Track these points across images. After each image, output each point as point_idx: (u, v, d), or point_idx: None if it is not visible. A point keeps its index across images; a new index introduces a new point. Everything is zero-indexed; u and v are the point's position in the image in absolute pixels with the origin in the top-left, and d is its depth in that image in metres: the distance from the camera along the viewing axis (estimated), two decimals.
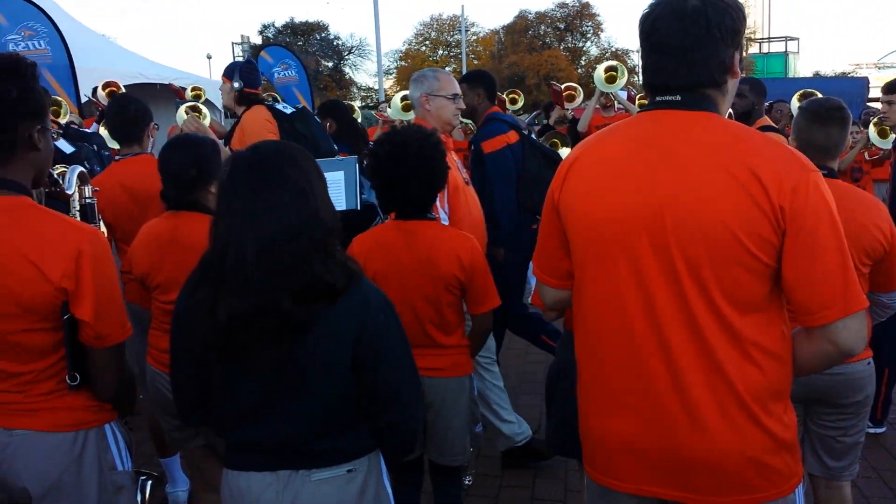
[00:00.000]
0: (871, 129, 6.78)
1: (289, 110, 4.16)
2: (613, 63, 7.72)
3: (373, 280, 2.54)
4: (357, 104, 54.82)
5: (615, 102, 7.54)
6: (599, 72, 7.41)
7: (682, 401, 1.63)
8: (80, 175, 2.30)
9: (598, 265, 1.73)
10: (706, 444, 1.63)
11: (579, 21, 51.23)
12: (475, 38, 52.58)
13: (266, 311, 1.67)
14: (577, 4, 50.48)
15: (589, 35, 52.09)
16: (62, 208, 2.19)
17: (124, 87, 9.44)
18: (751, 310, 1.62)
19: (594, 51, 52.33)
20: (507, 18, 53.50)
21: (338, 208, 2.78)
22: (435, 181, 2.71)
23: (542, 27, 51.67)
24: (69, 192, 2.29)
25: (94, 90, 9.10)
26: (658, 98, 1.73)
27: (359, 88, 57.93)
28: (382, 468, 1.94)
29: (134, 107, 3.70)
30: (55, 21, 11.14)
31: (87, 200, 2.38)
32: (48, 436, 1.88)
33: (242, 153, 1.82)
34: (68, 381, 1.87)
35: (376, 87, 54.05)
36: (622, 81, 7.47)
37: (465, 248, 2.71)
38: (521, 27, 50.89)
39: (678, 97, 1.69)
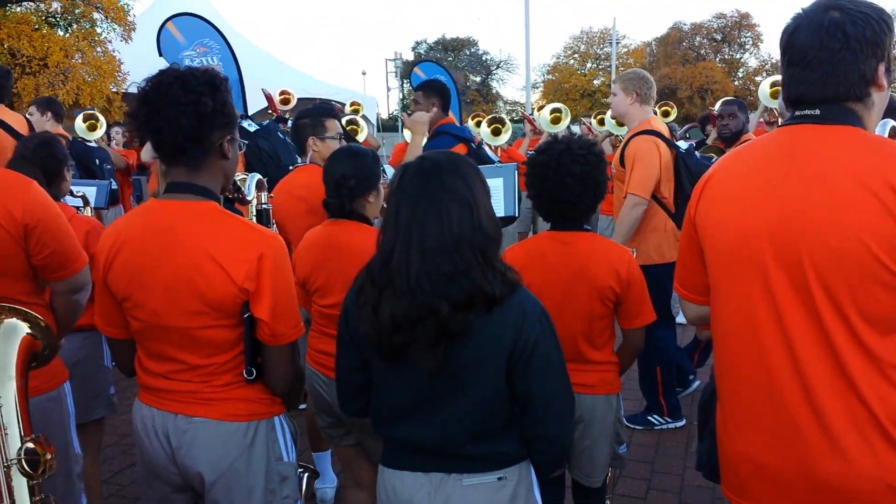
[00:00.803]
0: None
1: (252, 127, 4.38)
2: (780, 78, 7.31)
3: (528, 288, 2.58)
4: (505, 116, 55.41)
5: (779, 118, 7.16)
6: (764, 86, 7.05)
7: (818, 422, 1.59)
8: (258, 182, 2.46)
9: (731, 281, 1.72)
10: (842, 468, 1.57)
11: (737, 32, 49.14)
12: (626, 50, 51.62)
13: (425, 316, 1.73)
14: (736, 15, 48.45)
15: (747, 46, 49.86)
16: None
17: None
18: (890, 330, 1.55)
19: (752, 62, 50.06)
20: (661, 30, 52.20)
21: (496, 214, 2.84)
22: (596, 191, 2.69)
23: (698, 38, 49.97)
24: (249, 198, 2.45)
25: (266, 94, 9.66)
26: (797, 112, 1.70)
27: (505, 102, 58.33)
28: (533, 480, 1.95)
29: (296, 122, 3.87)
30: (227, 38, 11.93)
31: (263, 206, 2.54)
32: (224, 424, 2.02)
33: (412, 163, 1.90)
34: (245, 375, 2.01)
35: (522, 100, 54.51)
36: None
37: (623, 261, 2.68)
38: (675, 39, 49.43)
39: (817, 111, 1.66)
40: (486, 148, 4.60)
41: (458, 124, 4.86)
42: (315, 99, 15.17)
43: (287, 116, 8.86)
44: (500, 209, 2.90)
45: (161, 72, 1.98)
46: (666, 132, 4.52)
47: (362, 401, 2.00)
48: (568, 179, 2.62)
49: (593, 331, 2.71)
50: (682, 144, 5.33)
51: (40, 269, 2.33)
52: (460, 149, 4.37)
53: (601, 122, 7.98)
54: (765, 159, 1.71)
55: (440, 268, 1.73)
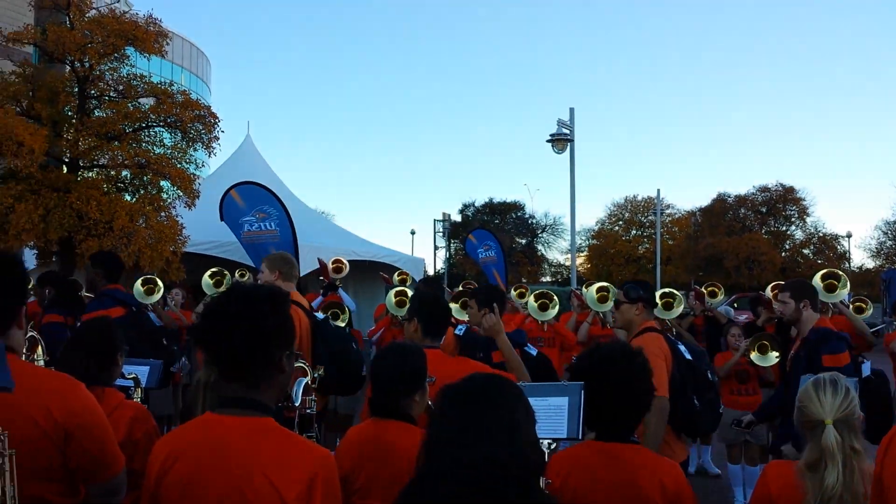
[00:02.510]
0: None
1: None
2: (834, 271, 7.25)
3: (572, 499, 2.46)
4: (547, 279, 55.50)
5: (829, 307, 7.05)
6: (817, 281, 7.00)
7: None
8: (305, 387, 2.46)
9: None
10: None
11: (783, 205, 49.69)
12: (670, 219, 52.38)
13: None
14: (780, 189, 49.17)
15: (794, 219, 50.20)
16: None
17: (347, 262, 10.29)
18: None
19: (799, 234, 50.19)
20: (705, 201, 52.84)
21: (557, 435, 2.76)
22: (639, 402, 2.63)
23: (742, 210, 50.58)
24: (296, 404, 2.45)
25: (321, 262, 9.93)
26: None
27: (549, 265, 59.01)
28: None
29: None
30: (284, 204, 12.47)
31: (308, 411, 2.53)
32: None
33: (454, 385, 1.89)
34: None
35: (567, 262, 55.09)
36: (843, 292, 6.99)
37: (671, 475, 2.59)
38: (720, 210, 50.10)
39: None
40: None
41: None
42: (365, 262, 15.57)
43: (338, 284, 9.06)
44: (562, 430, 2.84)
45: (229, 290, 2.06)
46: None
47: None
48: (607, 390, 2.58)
49: None
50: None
51: (76, 472, 2.31)
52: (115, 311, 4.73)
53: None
54: None
55: (474, 493, 1.67)
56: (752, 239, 45.41)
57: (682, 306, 7.41)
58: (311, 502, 1.91)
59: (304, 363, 3.20)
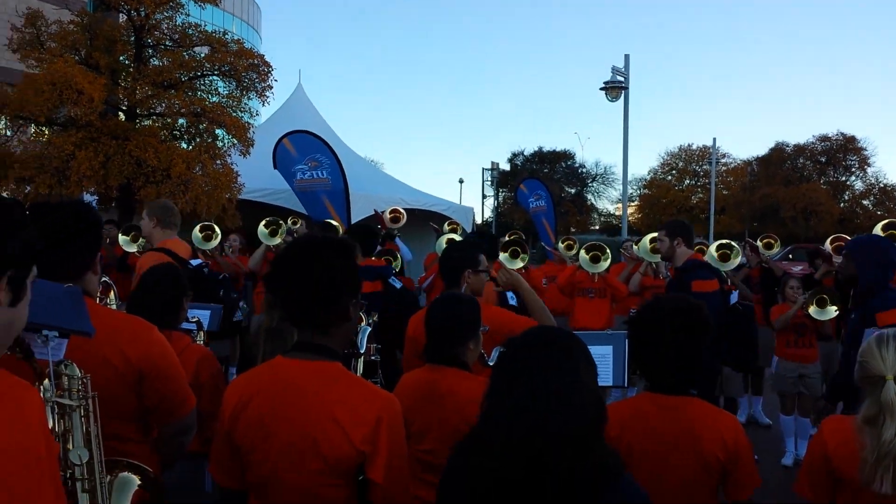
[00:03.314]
0: None
1: None
2: (894, 221, 7.03)
3: (627, 453, 2.48)
4: (596, 229, 54.91)
5: None
6: (877, 231, 6.80)
7: None
8: (369, 335, 2.52)
9: None
10: None
11: (843, 154, 48.11)
12: (725, 168, 51.22)
13: (521, 494, 1.69)
14: (841, 138, 47.57)
15: (854, 169, 48.63)
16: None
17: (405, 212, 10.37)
18: None
19: (859, 185, 48.69)
20: (762, 150, 51.48)
21: (601, 384, 2.78)
22: (695, 357, 2.62)
23: (801, 159, 49.16)
24: (361, 351, 2.52)
25: (377, 213, 10.02)
26: None
27: (599, 214, 58.42)
28: None
29: (450, 253, 3.84)
30: (336, 153, 12.55)
31: (373, 357, 2.59)
32: None
33: (517, 338, 1.91)
34: None
35: (617, 212, 54.44)
36: None
37: (731, 429, 2.57)
38: (777, 159, 48.83)
39: None
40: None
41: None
42: (414, 210, 15.63)
43: (395, 233, 9.14)
44: (607, 378, 2.85)
45: (298, 239, 2.14)
46: None
47: None
48: (667, 345, 2.55)
49: (694, 500, 2.58)
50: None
51: (150, 412, 2.41)
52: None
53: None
54: None
55: (541, 447, 1.69)
56: (809, 189, 44.26)
57: (740, 258, 7.29)
58: (376, 443, 1.97)
59: (363, 313, 3.26)
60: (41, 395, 1.71)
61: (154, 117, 13.23)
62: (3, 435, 1.28)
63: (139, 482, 1.94)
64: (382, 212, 10.17)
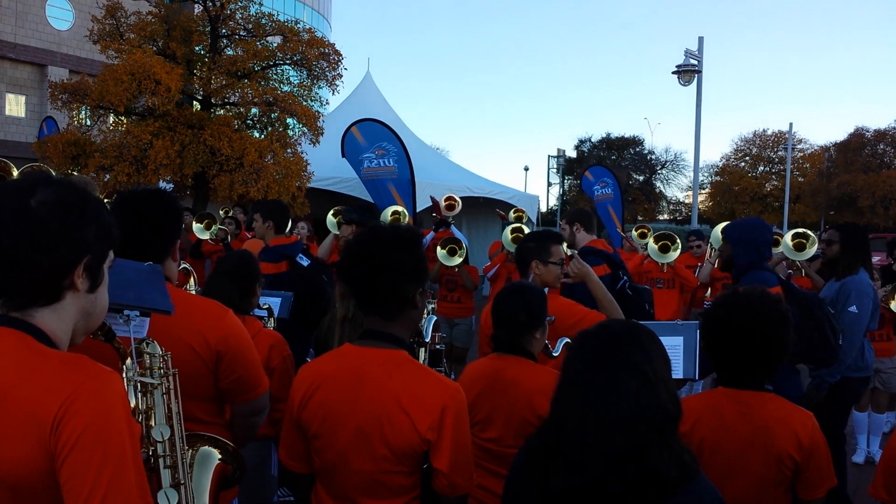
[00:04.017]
0: None
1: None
2: None
3: (699, 450, 2.45)
4: (664, 217, 53.71)
5: None
6: None
7: None
8: (434, 324, 2.55)
9: None
10: None
11: None
12: (801, 154, 49.50)
13: (595, 494, 1.68)
14: None
15: None
16: None
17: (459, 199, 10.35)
18: None
19: None
20: (841, 135, 49.56)
21: (674, 376, 2.74)
22: (780, 353, 2.54)
23: (881, 145, 47.12)
24: (426, 340, 2.55)
25: (433, 201, 10.06)
26: None
27: (668, 202, 57.22)
28: None
29: (522, 244, 3.86)
30: (403, 141, 12.62)
31: (437, 346, 2.62)
32: None
33: (591, 331, 1.89)
34: None
35: (687, 200, 53.18)
36: None
37: (806, 426, 2.50)
38: (856, 145, 46.85)
39: None
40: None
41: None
42: (479, 198, 15.63)
43: (450, 221, 9.15)
44: (678, 371, 2.76)
45: (369, 229, 2.17)
46: None
47: None
48: (747, 340, 2.49)
49: (767, 498, 2.53)
50: None
51: (224, 392, 2.47)
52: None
53: (776, 243, 7.59)
54: None
55: (615, 445, 1.67)
56: (890, 176, 42.34)
57: (815, 247, 7.06)
58: (442, 432, 2.01)
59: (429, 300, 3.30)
60: (123, 375, 1.78)
61: (228, 106, 13.53)
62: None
63: (220, 456, 1.99)
64: (439, 200, 10.16)
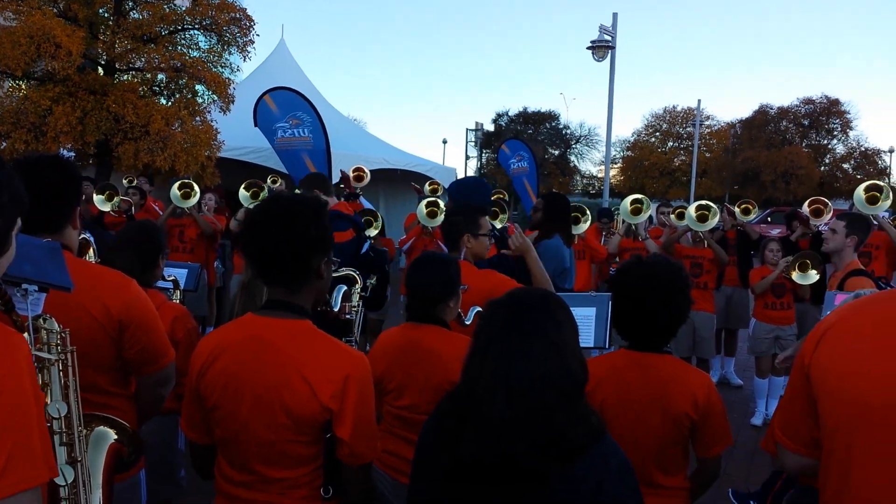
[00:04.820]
0: None
1: None
2: (877, 183, 7.10)
3: (601, 409, 2.53)
4: (578, 191, 54.76)
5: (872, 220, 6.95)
6: (859, 192, 6.89)
7: None
8: (344, 294, 2.54)
9: (869, 450, 1.58)
10: None
11: (825, 118, 48.23)
12: (709, 131, 51.19)
13: (504, 459, 1.70)
14: (825, 101, 47.63)
15: (836, 133, 48.80)
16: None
17: (369, 171, 10.29)
18: None
19: (840, 149, 48.89)
20: (746, 112, 51.49)
21: (584, 345, 2.81)
22: (679, 318, 2.66)
23: (784, 122, 49.23)
24: (335, 310, 2.53)
25: (342, 173, 9.99)
26: None
27: (582, 176, 58.29)
28: None
29: (450, 217, 3.81)
30: (319, 111, 12.42)
31: (347, 316, 2.61)
32: None
33: (502, 300, 1.92)
34: (322, 493, 2.06)
35: (600, 174, 54.29)
36: (885, 204, 6.85)
37: (702, 387, 2.61)
38: (760, 122, 48.80)
39: None
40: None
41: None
42: (397, 171, 15.56)
43: (359, 193, 9.10)
44: (589, 340, 2.85)
45: (270, 198, 2.13)
46: None
47: None
48: (650, 306, 2.58)
49: (666, 456, 2.64)
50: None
51: (129, 363, 2.44)
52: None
53: (680, 217, 7.87)
54: None
55: (524, 410, 1.70)
56: (791, 153, 44.33)
57: (717, 219, 7.37)
58: (344, 401, 1.99)
59: (356, 271, 3.27)
60: None
61: (133, 72, 12.99)
62: None
63: (115, 436, 1.96)
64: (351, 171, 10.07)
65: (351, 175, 9.60)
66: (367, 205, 8.71)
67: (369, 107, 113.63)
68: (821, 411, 1.70)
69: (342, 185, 9.35)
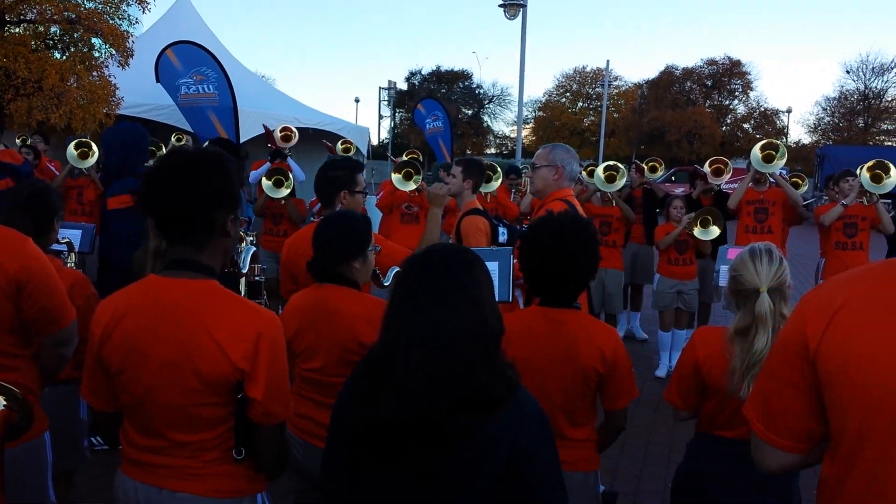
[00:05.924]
0: None
1: None
2: (773, 142, 7.40)
3: (512, 362, 2.57)
4: (492, 151, 55.29)
5: (768, 178, 7.25)
6: (756, 151, 7.16)
7: None
8: (253, 255, 2.49)
9: (891, 443, 1.38)
10: None
11: (728, 79, 49.92)
12: (617, 91, 52.22)
13: (423, 414, 1.70)
14: (727, 62, 49.25)
15: (737, 93, 50.64)
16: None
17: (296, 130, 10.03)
18: None
19: (741, 109, 50.82)
20: (653, 73, 52.74)
21: None
22: (587, 271, 2.72)
23: (688, 83, 50.71)
24: (244, 271, 2.48)
25: (266, 128, 9.70)
26: None
27: (495, 136, 58.72)
28: None
29: (327, 174, 3.73)
30: (224, 66, 11.99)
31: (256, 278, 2.56)
32: (207, 500, 2.01)
33: (419, 254, 1.91)
34: (234, 454, 2.02)
35: (512, 134, 54.88)
36: (780, 162, 7.15)
37: (609, 342, 2.69)
38: (666, 82, 50.14)
39: None
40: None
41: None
42: (308, 129, 15.26)
43: (287, 153, 8.88)
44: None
45: (170, 153, 2.04)
46: None
47: (349, 498, 1.93)
48: (559, 260, 2.63)
49: (575, 409, 2.71)
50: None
51: (29, 324, 2.37)
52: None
53: (591, 175, 8.04)
54: None
55: (443, 364, 1.70)
56: (695, 113, 45.85)
57: (625, 179, 7.54)
58: (256, 361, 1.94)
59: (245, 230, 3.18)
60: None
61: (24, 24, 12.21)
62: None
63: (4, 402, 1.89)
64: (273, 130, 9.82)
65: (278, 134, 9.34)
66: (295, 167, 8.53)
67: (277, 63, 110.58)
68: (836, 402, 1.47)
69: (269, 144, 9.10)
